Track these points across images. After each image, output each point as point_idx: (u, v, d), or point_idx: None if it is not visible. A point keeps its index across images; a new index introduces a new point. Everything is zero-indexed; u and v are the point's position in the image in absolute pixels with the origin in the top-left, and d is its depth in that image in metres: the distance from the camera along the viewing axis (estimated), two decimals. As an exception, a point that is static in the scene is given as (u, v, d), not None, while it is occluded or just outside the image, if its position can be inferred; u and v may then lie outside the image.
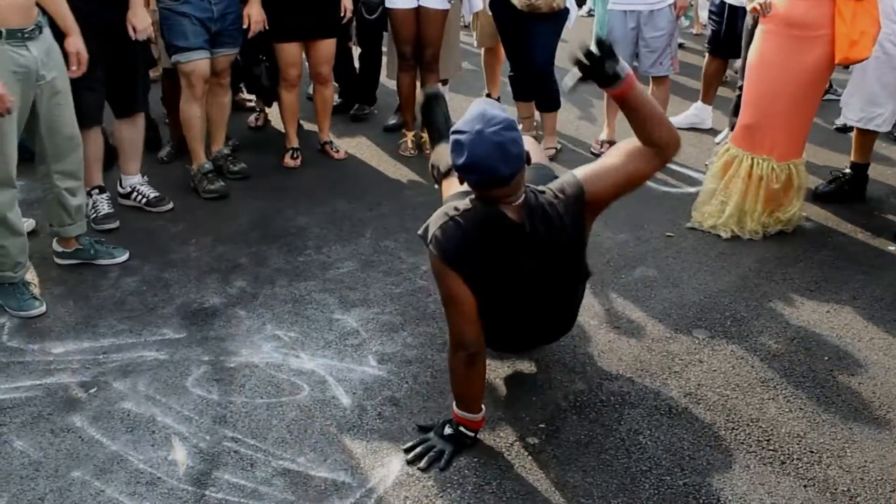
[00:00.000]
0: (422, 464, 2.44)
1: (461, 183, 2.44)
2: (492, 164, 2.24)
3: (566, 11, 4.75)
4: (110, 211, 3.98)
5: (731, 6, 5.15)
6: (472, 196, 2.42)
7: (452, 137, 2.31)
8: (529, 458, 2.48)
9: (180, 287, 3.45)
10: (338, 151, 4.98)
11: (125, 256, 3.65)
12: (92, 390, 2.77)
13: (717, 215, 3.99)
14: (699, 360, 2.99)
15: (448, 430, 2.51)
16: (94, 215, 3.94)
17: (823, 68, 3.80)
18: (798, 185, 3.97)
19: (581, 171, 2.52)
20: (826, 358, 3.04)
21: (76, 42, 3.27)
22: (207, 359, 2.95)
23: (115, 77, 3.83)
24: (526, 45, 4.72)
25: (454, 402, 2.52)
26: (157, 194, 4.19)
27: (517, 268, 2.42)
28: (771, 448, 2.55)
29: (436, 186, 3.24)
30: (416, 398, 2.74)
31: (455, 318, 2.42)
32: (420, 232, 2.54)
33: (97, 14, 3.58)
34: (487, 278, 2.39)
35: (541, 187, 2.48)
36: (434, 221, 2.44)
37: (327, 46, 4.68)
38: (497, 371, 2.88)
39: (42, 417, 2.64)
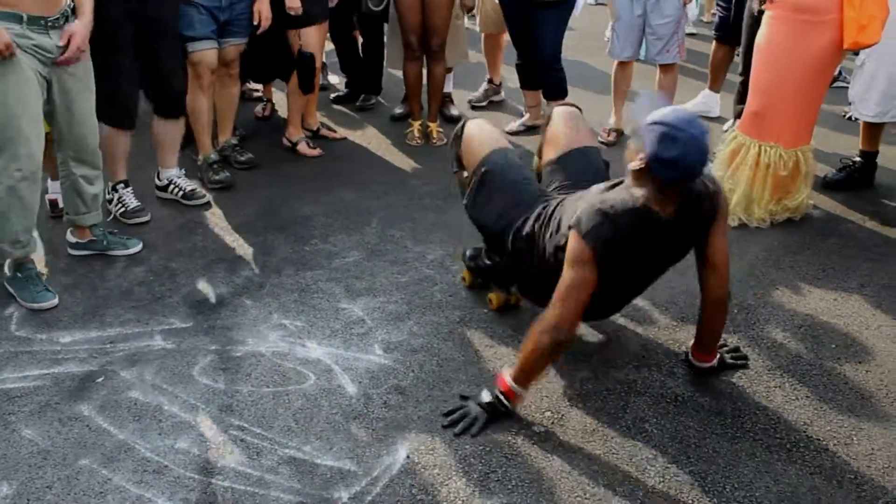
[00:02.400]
0: (456, 429, 2.52)
1: (645, 170, 2.38)
2: (696, 170, 2.36)
3: (573, 0, 4.74)
4: (139, 204, 3.96)
5: None
6: (625, 189, 2.47)
7: (660, 129, 2.30)
8: (535, 445, 2.49)
9: (187, 276, 3.46)
10: (334, 132, 5.00)
11: (139, 247, 3.66)
12: (99, 379, 2.79)
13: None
14: (705, 348, 2.98)
15: (486, 398, 2.58)
16: (123, 209, 3.92)
17: (832, 53, 3.77)
18: (806, 171, 3.95)
19: None
20: (833, 346, 3.03)
21: (76, 25, 3.17)
22: (214, 348, 2.96)
23: (156, 74, 3.83)
24: (533, 34, 4.70)
25: (508, 372, 2.57)
26: (193, 187, 4.18)
27: (655, 258, 2.60)
28: (777, 436, 2.55)
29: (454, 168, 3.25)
30: (421, 387, 2.75)
31: (570, 305, 2.45)
32: (572, 222, 2.48)
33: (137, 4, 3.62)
34: (623, 269, 2.51)
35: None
36: (589, 214, 2.43)
37: (314, 32, 4.61)
38: (502, 360, 2.89)
39: (50, 406, 2.66)
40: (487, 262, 3.18)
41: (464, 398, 2.66)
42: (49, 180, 3.84)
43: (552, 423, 2.58)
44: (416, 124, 5.06)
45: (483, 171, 2.98)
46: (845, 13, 3.64)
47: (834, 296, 3.36)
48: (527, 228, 2.79)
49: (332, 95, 5.79)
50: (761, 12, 3.96)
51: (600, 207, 2.43)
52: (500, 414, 2.57)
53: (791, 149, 3.88)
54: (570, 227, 2.49)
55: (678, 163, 2.30)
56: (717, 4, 5.50)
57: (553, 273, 2.53)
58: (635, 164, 2.40)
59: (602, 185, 2.63)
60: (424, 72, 5.03)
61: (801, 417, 2.63)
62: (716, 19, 5.61)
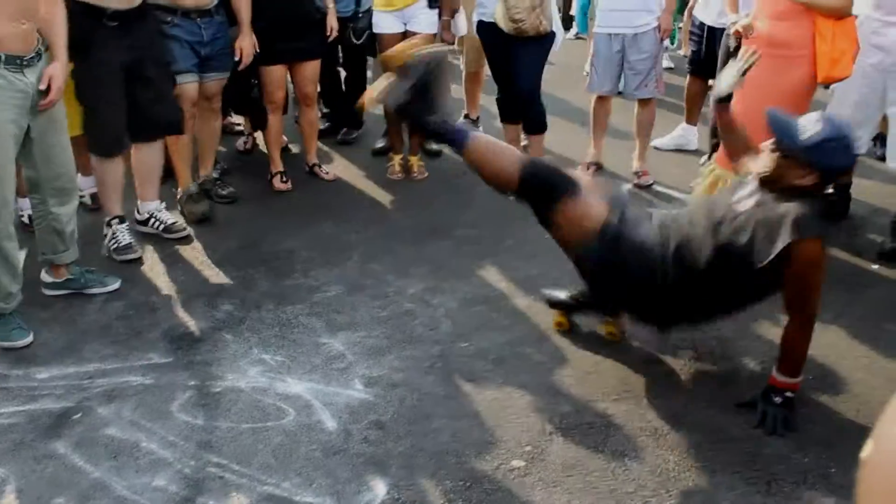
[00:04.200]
0: (774, 428, 2.71)
1: (812, 171, 2.64)
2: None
3: (553, 35, 4.80)
4: (131, 241, 3.92)
5: (709, 27, 5.19)
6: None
7: (829, 142, 2.61)
8: (515, 481, 2.48)
9: (167, 311, 3.45)
10: (327, 173, 5.01)
11: (117, 284, 3.64)
12: (76, 416, 2.76)
13: None
14: (684, 381, 3.00)
15: (778, 399, 2.75)
16: (115, 245, 3.89)
17: (806, 87, 3.88)
18: None
19: None
20: (811, 377, 3.05)
21: (55, 68, 3.18)
22: (193, 383, 2.95)
23: (137, 97, 3.80)
24: (513, 68, 4.75)
25: (781, 373, 2.75)
26: (173, 220, 4.17)
27: None
28: (756, 468, 2.55)
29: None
30: (401, 421, 2.74)
31: (819, 292, 2.71)
32: (792, 234, 2.56)
33: (122, 32, 3.62)
34: None
35: None
36: (798, 215, 2.57)
37: (312, 67, 4.72)
38: (482, 394, 2.89)
39: (25, 444, 2.63)
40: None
41: (748, 405, 2.80)
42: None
43: (532, 458, 2.58)
44: (397, 158, 5.09)
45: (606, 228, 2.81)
46: (818, 48, 3.73)
47: (811, 327, 3.39)
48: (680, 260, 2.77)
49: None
50: (737, 48, 4.03)
51: (797, 208, 2.59)
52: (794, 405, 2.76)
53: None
54: (793, 238, 2.55)
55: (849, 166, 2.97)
56: (690, 39, 5.59)
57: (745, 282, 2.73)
58: (809, 181, 2.65)
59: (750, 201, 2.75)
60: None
61: (779, 450, 2.64)
62: (689, 53, 5.70)
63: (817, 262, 2.63)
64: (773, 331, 3.34)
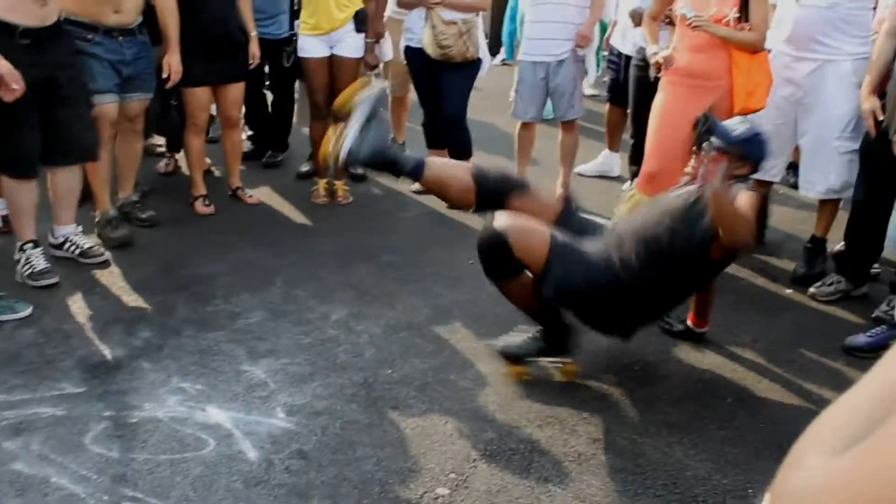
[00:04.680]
0: None
1: (745, 162, 3.13)
2: None
3: (479, 61, 4.85)
4: (47, 266, 3.77)
5: (627, 56, 5.32)
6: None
7: (757, 137, 3.16)
8: (439, 509, 2.47)
9: (81, 339, 3.33)
10: (251, 196, 4.94)
11: (28, 311, 3.49)
12: (-19, 451, 2.64)
13: None
14: (607, 405, 3.03)
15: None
16: (30, 271, 3.73)
17: (722, 117, 3.96)
18: None
19: None
20: (729, 400, 3.12)
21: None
22: (108, 414, 2.84)
23: (53, 119, 3.66)
24: (439, 94, 4.79)
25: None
26: (90, 244, 4.04)
27: None
28: (677, 491, 2.59)
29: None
30: (324, 450, 2.70)
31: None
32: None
33: (35, 50, 3.49)
34: None
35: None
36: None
37: (237, 90, 4.68)
38: (406, 421, 2.86)
39: (-75, 481, 2.50)
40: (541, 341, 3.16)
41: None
42: None
43: (457, 485, 2.56)
44: (322, 182, 5.06)
45: (555, 247, 2.89)
46: (734, 79, 3.86)
47: (729, 351, 3.48)
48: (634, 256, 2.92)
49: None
50: (657, 78, 4.14)
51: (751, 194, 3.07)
52: None
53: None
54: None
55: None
56: (608, 68, 5.70)
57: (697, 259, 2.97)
58: (744, 171, 3.12)
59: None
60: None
61: (699, 472, 2.69)
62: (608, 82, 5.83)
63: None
64: (692, 355, 3.42)
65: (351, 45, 4.75)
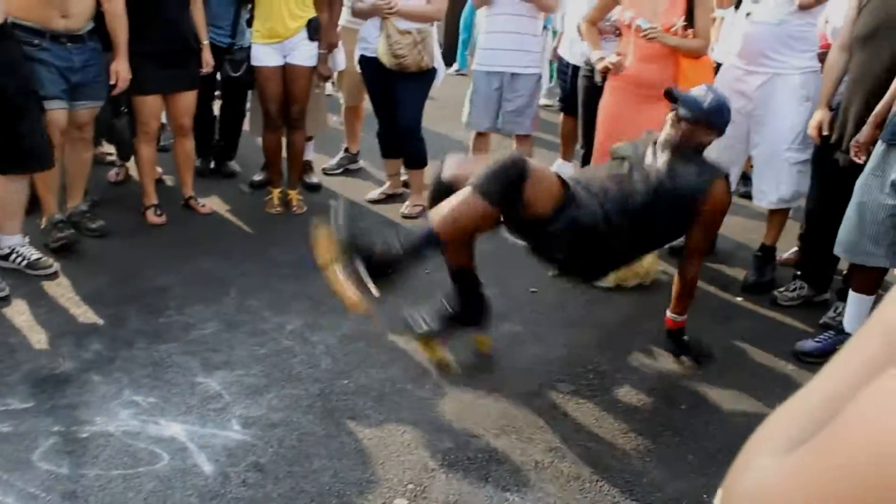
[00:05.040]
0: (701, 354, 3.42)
1: (713, 129, 3.31)
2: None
3: (434, 70, 4.86)
4: None
5: (574, 66, 5.36)
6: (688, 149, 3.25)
7: (724, 105, 3.34)
8: (398, 520, 2.45)
9: (28, 352, 3.25)
10: (203, 206, 4.88)
11: None
12: (-76, 468, 2.56)
13: None
14: (564, 413, 3.05)
15: (685, 338, 3.42)
16: None
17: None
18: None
19: None
20: (683, 407, 3.16)
21: None
22: (57, 429, 2.78)
23: (4, 127, 3.56)
24: (394, 103, 4.78)
25: (677, 314, 3.39)
26: (38, 255, 3.94)
27: None
28: (634, 498, 2.62)
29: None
30: (281, 463, 2.67)
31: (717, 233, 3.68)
32: (707, 176, 3.20)
33: None
34: None
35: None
36: (712, 161, 3.34)
37: (189, 98, 4.62)
38: (363, 431, 2.85)
39: None
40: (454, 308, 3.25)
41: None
42: None
43: (415, 495, 2.55)
44: (276, 192, 5.01)
45: (570, 192, 3.03)
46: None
47: (682, 358, 3.52)
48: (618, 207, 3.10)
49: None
50: (604, 81, 4.23)
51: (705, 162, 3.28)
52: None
53: None
54: (709, 180, 3.18)
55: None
56: (559, 79, 5.75)
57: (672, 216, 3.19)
58: (712, 138, 3.33)
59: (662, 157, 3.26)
60: (284, 140, 5.00)
61: (655, 478, 2.71)
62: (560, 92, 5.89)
63: (727, 201, 3.29)
64: (647, 363, 3.46)
65: (305, 53, 4.72)
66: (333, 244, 2.81)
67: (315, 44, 4.74)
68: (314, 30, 4.70)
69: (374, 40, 4.76)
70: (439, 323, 3.27)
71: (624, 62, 4.10)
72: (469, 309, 3.32)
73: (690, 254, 3.34)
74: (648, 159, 3.27)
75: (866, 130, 3.46)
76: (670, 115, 3.33)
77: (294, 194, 5.03)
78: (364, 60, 4.90)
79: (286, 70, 4.72)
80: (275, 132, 4.93)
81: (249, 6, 4.85)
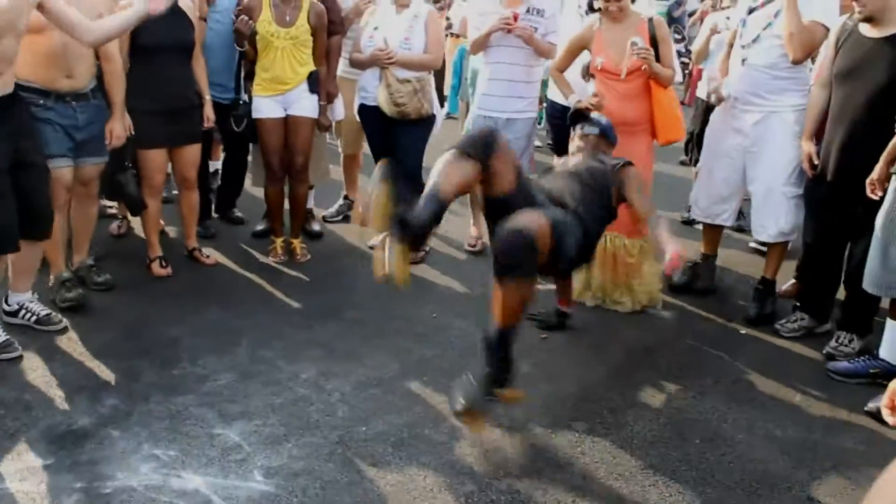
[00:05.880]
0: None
1: (609, 142, 4.10)
2: None
3: (433, 116, 4.95)
4: (7, 338, 3.67)
5: (564, 107, 5.45)
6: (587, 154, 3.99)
7: (611, 125, 4.12)
8: (426, 565, 2.46)
9: (45, 409, 3.25)
10: (208, 257, 4.91)
11: None
12: (-51, 531, 2.55)
13: (581, 289, 4.46)
14: (581, 452, 3.08)
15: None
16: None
17: (648, 153, 4.47)
18: (649, 257, 4.39)
19: None
20: (697, 441, 3.20)
21: None
22: (80, 486, 2.78)
23: (22, 190, 3.56)
24: (395, 150, 4.85)
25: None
26: (47, 311, 3.95)
27: None
28: (656, 535, 2.64)
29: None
30: (306, 512, 2.68)
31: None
32: (615, 161, 3.86)
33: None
34: None
35: None
36: (617, 158, 3.91)
37: (193, 151, 4.68)
38: (385, 478, 2.86)
39: None
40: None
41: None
42: None
43: (442, 539, 2.57)
44: (279, 241, 5.05)
45: (557, 224, 3.17)
46: (656, 117, 4.33)
47: (693, 392, 3.56)
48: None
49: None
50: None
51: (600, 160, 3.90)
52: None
53: (633, 238, 4.35)
54: (623, 162, 3.81)
55: None
56: (550, 123, 5.79)
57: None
58: (608, 148, 4.09)
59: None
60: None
61: (676, 515, 2.74)
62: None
63: (638, 168, 3.87)
64: (658, 398, 3.50)
65: (306, 105, 4.80)
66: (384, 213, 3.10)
67: (315, 96, 4.82)
68: (314, 82, 4.78)
69: (373, 89, 4.84)
70: (482, 391, 3.10)
71: (602, 101, 4.31)
72: (500, 368, 3.13)
73: (639, 219, 3.74)
74: (568, 166, 3.89)
75: (879, 167, 3.56)
76: (579, 132, 4.10)
77: (297, 243, 5.07)
78: (364, 109, 4.98)
79: (288, 122, 4.79)
80: (277, 184, 4.98)
81: (243, 61, 4.94)
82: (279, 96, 4.75)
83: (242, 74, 5.08)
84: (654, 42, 4.32)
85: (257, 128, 4.85)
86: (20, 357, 3.63)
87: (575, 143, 4.11)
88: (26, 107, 3.75)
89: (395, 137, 4.82)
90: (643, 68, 4.25)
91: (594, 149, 4.01)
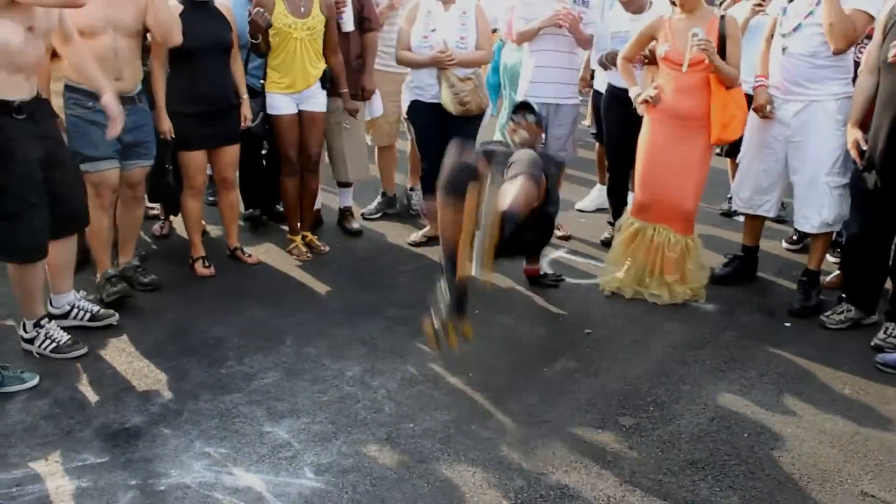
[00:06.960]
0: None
1: (537, 131, 4.36)
2: None
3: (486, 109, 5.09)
4: (70, 337, 3.75)
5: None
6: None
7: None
8: (478, 560, 2.48)
9: (98, 407, 3.32)
10: (250, 256, 4.96)
11: (36, 380, 3.47)
12: (12, 527, 2.62)
13: (622, 279, 4.48)
14: (629, 447, 3.07)
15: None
16: (53, 346, 3.69)
17: (705, 151, 4.31)
18: (694, 256, 4.39)
19: None
20: (745, 434, 3.18)
21: None
22: (135, 483, 2.83)
23: (55, 189, 3.58)
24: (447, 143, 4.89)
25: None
26: (99, 307, 4.02)
27: None
28: (707, 529, 2.63)
29: None
30: (357, 508, 2.71)
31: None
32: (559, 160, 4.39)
33: (30, 123, 3.43)
34: None
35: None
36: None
37: (233, 151, 4.72)
38: (434, 474, 2.88)
39: (-41, 562, 2.47)
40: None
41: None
42: None
43: (493, 535, 2.58)
44: (298, 239, 5.11)
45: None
46: (712, 115, 4.17)
47: (738, 386, 3.54)
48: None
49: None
50: (641, 116, 4.46)
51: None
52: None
53: (680, 234, 4.33)
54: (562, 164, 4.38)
55: None
56: (594, 112, 5.89)
57: None
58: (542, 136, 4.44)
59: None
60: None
61: (727, 509, 2.73)
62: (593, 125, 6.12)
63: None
64: (704, 393, 3.48)
65: (320, 101, 4.91)
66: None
67: (324, 91, 4.92)
68: (328, 79, 4.90)
69: (429, 88, 4.98)
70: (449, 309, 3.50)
71: (661, 94, 4.25)
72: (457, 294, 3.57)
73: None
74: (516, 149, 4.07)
75: None
76: (522, 121, 4.33)
77: (312, 238, 5.13)
78: (418, 106, 5.08)
79: (302, 116, 4.86)
80: (294, 176, 5.01)
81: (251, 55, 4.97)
82: (296, 94, 4.82)
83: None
84: (722, 40, 4.16)
85: (274, 124, 4.88)
86: (83, 355, 3.71)
87: (521, 131, 4.30)
88: (53, 110, 3.76)
89: (452, 132, 4.83)
90: (705, 62, 4.12)
91: (536, 135, 4.31)
